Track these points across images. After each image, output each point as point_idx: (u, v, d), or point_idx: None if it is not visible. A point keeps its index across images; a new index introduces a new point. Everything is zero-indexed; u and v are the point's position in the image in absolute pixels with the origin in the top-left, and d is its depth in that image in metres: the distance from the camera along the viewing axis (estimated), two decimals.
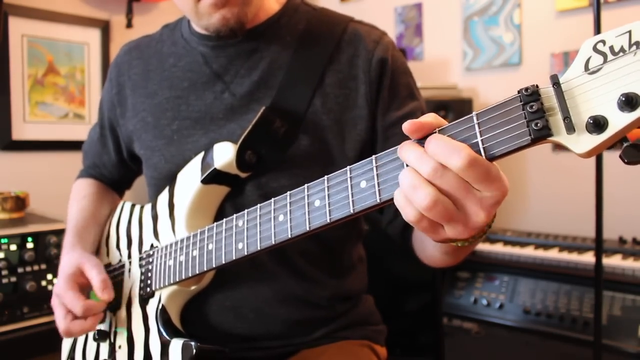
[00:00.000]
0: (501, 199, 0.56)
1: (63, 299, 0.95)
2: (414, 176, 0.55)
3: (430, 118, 0.58)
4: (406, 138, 0.60)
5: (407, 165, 0.57)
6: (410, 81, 1.02)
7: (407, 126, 0.57)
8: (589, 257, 1.74)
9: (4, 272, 1.50)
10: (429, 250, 0.87)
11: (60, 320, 0.95)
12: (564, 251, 1.85)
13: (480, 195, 0.55)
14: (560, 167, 2.20)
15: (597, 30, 1.41)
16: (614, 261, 1.70)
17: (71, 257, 1.00)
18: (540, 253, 1.85)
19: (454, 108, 2.22)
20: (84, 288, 0.98)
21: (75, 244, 1.05)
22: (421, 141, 0.57)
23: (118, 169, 1.21)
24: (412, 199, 0.56)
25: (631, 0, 2.02)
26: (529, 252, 1.87)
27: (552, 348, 1.72)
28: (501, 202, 0.56)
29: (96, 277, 0.95)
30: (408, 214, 0.57)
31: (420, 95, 1.02)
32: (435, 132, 0.57)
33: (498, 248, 1.95)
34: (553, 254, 1.82)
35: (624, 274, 1.66)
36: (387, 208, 0.99)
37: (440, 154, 0.54)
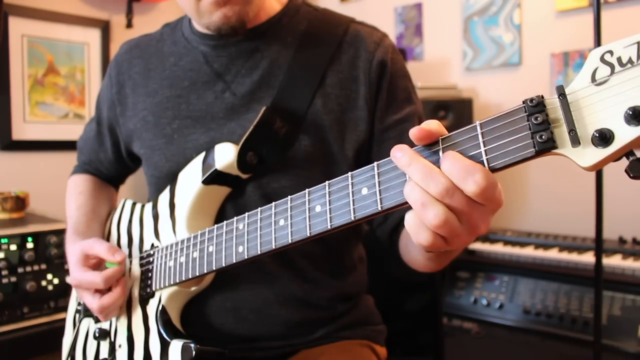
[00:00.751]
0: (498, 209, 0.56)
1: (83, 283, 0.95)
2: (422, 194, 0.55)
3: (435, 125, 0.57)
4: (400, 142, 0.60)
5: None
6: (409, 85, 1.02)
7: (414, 132, 0.57)
8: (589, 257, 1.74)
9: (4, 272, 1.50)
10: (413, 254, 0.87)
11: (93, 303, 0.95)
12: (564, 251, 1.85)
13: (483, 209, 0.55)
14: (560, 167, 2.20)
15: (597, 30, 1.41)
16: (614, 261, 1.70)
17: (73, 249, 1.00)
18: (540, 253, 1.85)
19: (454, 108, 2.22)
20: (96, 268, 0.98)
21: (75, 240, 1.05)
22: (423, 150, 0.57)
23: (115, 167, 1.21)
24: (421, 217, 0.55)
25: (631, 0, 2.02)
26: (529, 252, 1.87)
27: (552, 348, 1.72)
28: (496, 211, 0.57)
29: (101, 247, 0.95)
30: (421, 237, 0.57)
31: (417, 100, 1.02)
32: (439, 143, 0.57)
33: (498, 248, 1.95)
34: (553, 254, 1.82)
35: (624, 274, 1.66)
36: None
37: (456, 175, 0.53)
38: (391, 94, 0.98)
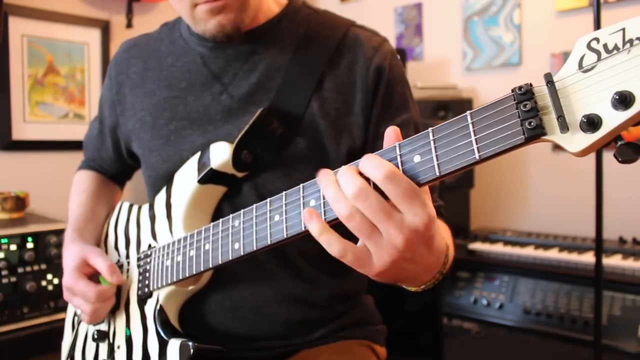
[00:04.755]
0: (422, 227, 0.59)
1: (75, 290, 0.97)
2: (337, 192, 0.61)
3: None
4: None
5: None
6: (406, 91, 1.01)
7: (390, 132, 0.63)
8: (589, 257, 1.73)
9: (4, 272, 1.51)
10: None
11: (85, 307, 0.97)
12: (564, 251, 1.84)
13: (399, 218, 0.58)
14: (560, 167, 2.20)
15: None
16: (614, 261, 1.70)
17: (73, 250, 1.02)
18: (540, 253, 1.84)
19: (454, 108, 2.22)
20: (91, 277, 1.00)
21: (74, 238, 1.07)
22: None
23: (117, 164, 1.22)
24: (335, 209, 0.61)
25: (631, 0, 2.02)
26: (529, 252, 1.87)
27: (552, 348, 1.72)
28: (422, 231, 0.59)
29: (102, 263, 0.97)
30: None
31: (414, 106, 1.02)
32: (431, 134, 0.59)
33: (498, 248, 1.95)
34: (553, 254, 1.82)
35: (624, 274, 1.66)
36: None
37: (369, 168, 0.59)
38: (387, 100, 0.97)
